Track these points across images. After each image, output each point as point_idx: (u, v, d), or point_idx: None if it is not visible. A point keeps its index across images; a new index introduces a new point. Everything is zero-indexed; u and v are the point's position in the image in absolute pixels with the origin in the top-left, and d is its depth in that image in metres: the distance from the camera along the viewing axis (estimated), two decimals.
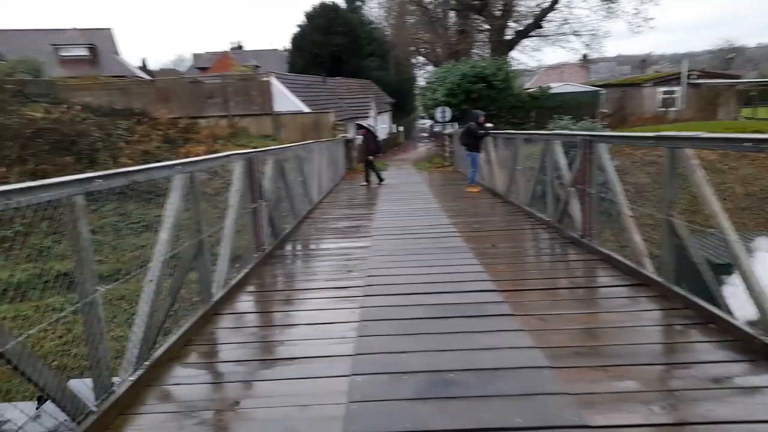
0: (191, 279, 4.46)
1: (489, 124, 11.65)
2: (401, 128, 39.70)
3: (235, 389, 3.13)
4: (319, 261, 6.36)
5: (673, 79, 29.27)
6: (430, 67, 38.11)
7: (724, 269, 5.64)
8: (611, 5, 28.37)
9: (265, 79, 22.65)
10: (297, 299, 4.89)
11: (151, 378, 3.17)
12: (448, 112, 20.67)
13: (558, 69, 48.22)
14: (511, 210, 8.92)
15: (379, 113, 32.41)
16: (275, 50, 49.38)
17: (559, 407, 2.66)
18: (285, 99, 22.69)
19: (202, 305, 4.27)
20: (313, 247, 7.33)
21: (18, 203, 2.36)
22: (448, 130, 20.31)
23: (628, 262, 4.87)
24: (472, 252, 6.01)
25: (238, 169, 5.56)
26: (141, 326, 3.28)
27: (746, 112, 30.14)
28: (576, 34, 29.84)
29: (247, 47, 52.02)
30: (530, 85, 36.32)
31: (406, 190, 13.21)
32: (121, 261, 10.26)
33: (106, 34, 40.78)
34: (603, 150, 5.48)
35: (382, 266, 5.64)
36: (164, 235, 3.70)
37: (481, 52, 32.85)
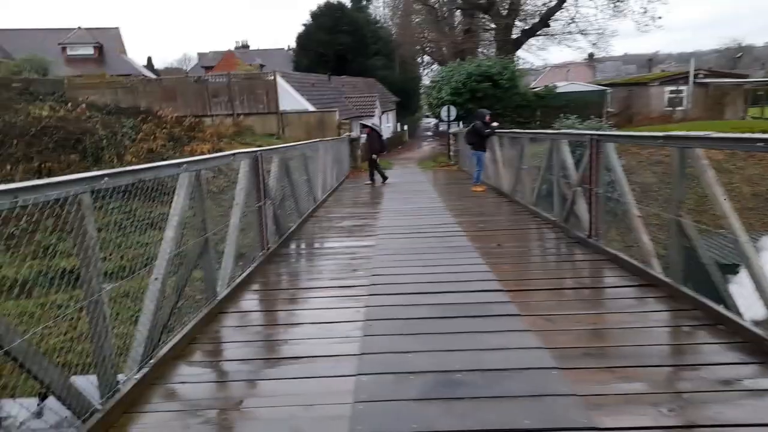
0: (194, 277, 4.46)
1: (495, 123, 11.61)
2: (406, 127, 39.65)
3: (240, 388, 3.12)
4: (323, 260, 6.34)
5: (680, 78, 29.09)
6: (435, 66, 38.11)
7: (729, 269, 5.60)
8: (618, 4, 28.27)
9: (270, 77, 22.64)
10: (301, 298, 4.88)
11: (156, 376, 3.16)
12: (453, 111, 20.62)
13: (564, 68, 48.09)
14: (516, 209, 8.89)
15: (383, 112, 32.38)
16: (280, 49, 49.45)
17: (566, 409, 2.63)
18: (290, 98, 22.69)
19: (206, 304, 4.27)
20: (317, 245, 7.32)
21: (25, 201, 2.36)
22: (453, 129, 20.27)
23: (635, 263, 4.83)
24: (477, 251, 5.98)
25: (243, 168, 5.55)
26: (146, 324, 3.27)
27: (753, 111, 29.94)
28: (583, 33, 29.75)
29: (252, 46, 52.11)
30: (535, 84, 36.24)
31: (411, 189, 13.18)
32: (125, 258, 10.29)
33: (112, 33, 40.89)
34: (611, 149, 5.43)
35: (387, 265, 5.62)
36: (170, 233, 3.69)
37: (486, 51, 32.82)
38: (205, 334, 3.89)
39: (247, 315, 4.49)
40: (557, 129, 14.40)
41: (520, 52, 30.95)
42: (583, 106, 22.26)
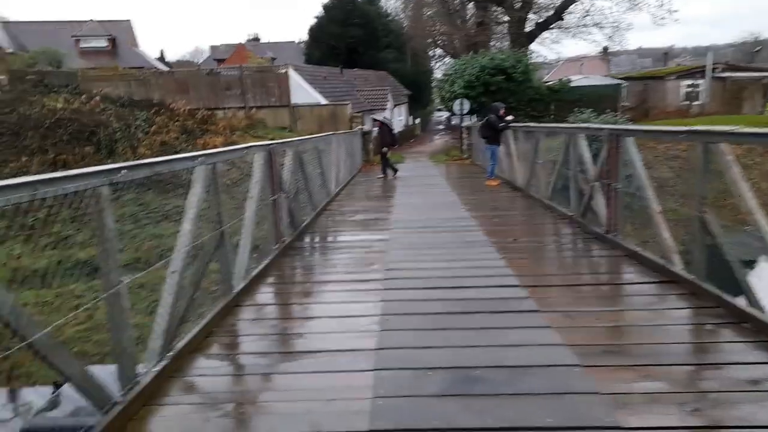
0: (210, 269, 4.45)
1: (509, 117, 11.50)
2: (418, 120, 39.49)
3: (258, 382, 3.11)
4: (338, 253, 6.33)
5: (696, 72, 28.65)
6: (447, 59, 37.86)
7: (746, 265, 5.50)
8: None
9: (282, 70, 22.64)
10: (317, 291, 4.87)
11: (175, 369, 3.16)
12: (467, 105, 20.48)
13: (578, 62, 47.58)
14: (531, 204, 8.80)
15: (395, 105, 32.27)
16: (291, 42, 49.37)
17: (590, 407, 2.58)
18: (302, 91, 22.67)
19: (223, 297, 4.26)
20: (331, 239, 7.30)
21: (45, 194, 2.35)
22: (466, 122, 20.13)
23: (655, 259, 4.75)
24: (493, 246, 5.92)
25: (258, 161, 5.53)
26: (164, 317, 3.27)
27: None
28: (598, 26, 29.36)
29: (263, 39, 52.10)
30: (549, 77, 35.91)
31: (424, 183, 13.13)
32: (140, 250, 10.36)
33: (125, 25, 41.09)
34: (630, 144, 5.34)
35: (402, 259, 5.58)
36: (187, 226, 3.68)
37: (500, 44, 32.52)
38: (221, 328, 3.88)
39: (263, 308, 4.49)
40: (572, 123, 14.24)
41: (533, 46, 30.71)
42: (597, 100, 22.02)
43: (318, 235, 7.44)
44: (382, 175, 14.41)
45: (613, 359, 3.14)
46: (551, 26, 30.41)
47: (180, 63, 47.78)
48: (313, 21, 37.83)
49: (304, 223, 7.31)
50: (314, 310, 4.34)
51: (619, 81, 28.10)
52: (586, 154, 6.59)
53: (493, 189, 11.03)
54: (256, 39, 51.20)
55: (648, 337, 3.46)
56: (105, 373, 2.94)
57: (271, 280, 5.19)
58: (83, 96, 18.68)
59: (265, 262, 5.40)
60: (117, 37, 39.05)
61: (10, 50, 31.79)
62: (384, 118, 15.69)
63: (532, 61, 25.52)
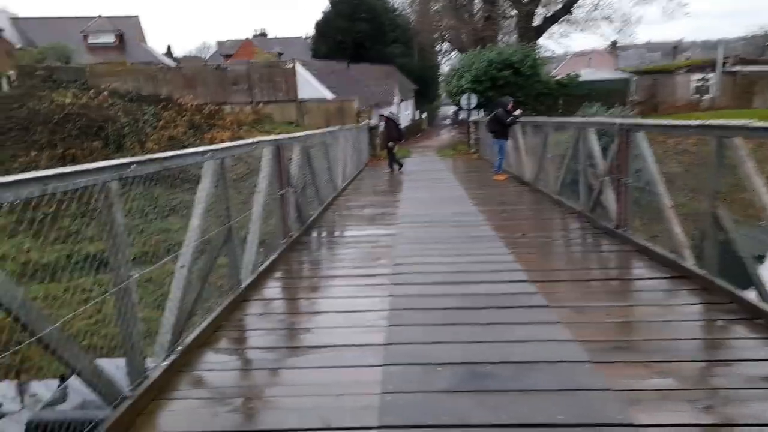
0: (217, 263, 4.45)
1: (518, 112, 11.41)
2: (425, 115, 39.35)
3: (267, 377, 3.11)
4: (345, 248, 6.31)
5: (707, 66, 28.33)
6: (454, 54, 37.69)
7: (759, 261, 5.44)
8: None
9: (289, 65, 22.62)
10: (325, 286, 4.86)
11: (183, 363, 3.16)
12: (474, 99, 20.37)
13: (586, 56, 47.17)
14: (539, 198, 8.75)
15: (402, 100, 32.17)
16: (298, 37, 49.27)
17: (601, 404, 2.56)
18: (309, 86, 22.65)
19: (231, 291, 4.26)
20: (338, 234, 7.29)
21: (55, 189, 2.35)
22: (474, 117, 20.03)
23: (666, 254, 4.70)
24: (501, 241, 5.89)
25: (266, 155, 5.52)
26: (173, 311, 3.27)
27: None
28: (607, 19, 29.09)
29: (270, 34, 52.03)
30: (556, 72, 35.60)
31: (431, 177, 13.09)
32: (148, 244, 10.40)
33: (133, 21, 41.15)
34: (641, 139, 5.28)
35: (410, 254, 5.56)
36: (196, 220, 3.68)
37: (507, 38, 32.28)
38: (230, 322, 3.89)
39: (270, 303, 4.48)
40: (581, 118, 14.12)
41: (541, 40, 30.43)
42: (606, 94, 21.83)
43: (325, 229, 7.43)
44: (388, 170, 14.39)
45: (624, 355, 3.11)
46: (560, 20, 30.16)
47: (187, 58, 47.76)
48: (319, 16, 37.78)
49: (312, 218, 7.31)
50: (322, 304, 4.33)
51: (628, 75, 27.86)
52: (596, 149, 6.53)
53: (501, 184, 10.97)
54: (263, 34, 51.13)
55: (659, 333, 3.42)
56: (114, 367, 2.94)
57: (278, 274, 5.19)
58: (91, 91, 18.76)
59: (273, 256, 5.40)
60: (125, 32, 39.13)
61: (19, 46, 31.95)
62: (390, 113, 15.66)
63: (541, 55, 25.24)
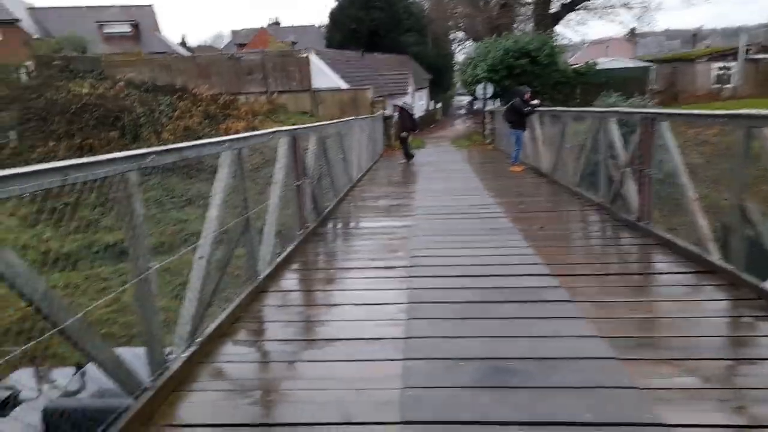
0: (235, 254, 4.44)
1: (535, 101, 11.24)
2: (439, 105, 39.03)
3: (285, 369, 3.09)
4: (361, 240, 6.27)
5: (728, 54, 27.68)
6: (469, 43, 37.25)
7: None
8: None
9: (303, 55, 22.53)
10: (342, 278, 4.83)
11: (203, 354, 3.16)
12: (490, 89, 20.14)
13: (603, 44, 46.41)
14: (557, 190, 8.62)
15: (417, 89, 31.93)
16: (312, 26, 49.08)
17: (629, 402, 2.50)
18: (323, 75, 22.55)
19: (249, 282, 4.25)
20: (355, 225, 7.26)
21: (75, 179, 2.33)
22: (489, 106, 19.81)
23: (691, 247, 4.59)
24: (520, 233, 5.81)
25: (282, 146, 5.48)
26: (192, 302, 3.26)
27: None
28: (626, 6, 28.51)
29: (284, 23, 51.88)
30: (573, 60, 35.07)
31: (447, 168, 12.98)
32: (165, 234, 10.49)
33: (147, 11, 41.26)
34: (665, 129, 5.15)
35: (428, 246, 5.51)
36: (214, 211, 3.66)
37: (523, 26, 31.81)
38: (248, 313, 3.88)
39: (288, 294, 4.47)
40: (598, 107, 13.89)
41: (557, 28, 29.91)
42: (624, 83, 21.42)
43: (341, 221, 7.40)
44: (403, 161, 14.32)
45: (650, 352, 3.04)
46: (577, 7, 29.62)
47: (201, 48, 47.87)
48: (334, 4, 37.50)
49: (328, 209, 7.28)
50: (339, 297, 4.30)
51: (647, 63, 27.33)
52: (617, 139, 6.39)
53: (518, 175, 10.84)
54: (277, 23, 51.01)
55: (684, 329, 3.34)
56: (133, 356, 2.95)
57: (295, 266, 5.17)
58: (108, 81, 18.87)
59: (290, 248, 5.38)
60: (140, 22, 39.27)
61: (36, 36, 32.24)
62: (404, 103, 15.56)
63: (558, 43, 24.81)
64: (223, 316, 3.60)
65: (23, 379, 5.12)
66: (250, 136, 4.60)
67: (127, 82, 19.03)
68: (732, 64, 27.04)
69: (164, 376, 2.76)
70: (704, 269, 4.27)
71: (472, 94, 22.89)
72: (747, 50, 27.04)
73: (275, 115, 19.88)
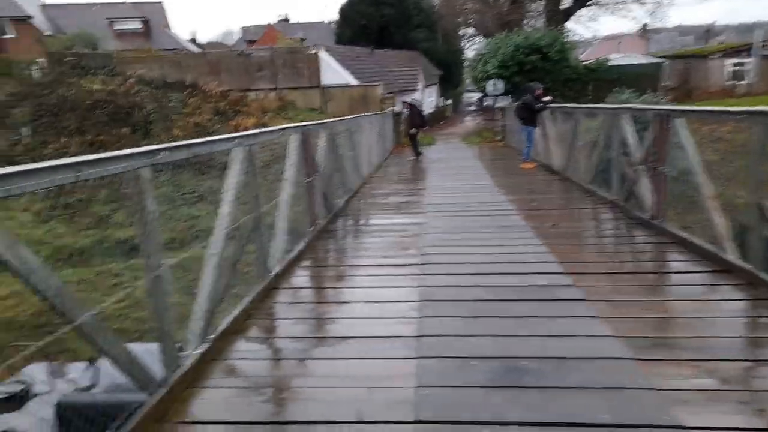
0: (246, 250, 4.43)
1: (547, 98, 11.14)
2: (449, 101, 38.86)
3: (299, 367, 3.08)
4: (372, 237, 6.25)
5: (742, 50, 27.31)
6: (479, 39, 37.03)
7: None
8: None
9: (313, 51, 22.51)
10: (354, 275, 4.81)
11: (216, 351, 3.16)
12: (500, 85, 20.01)
13: (614, 40, 46.01)
14: (569, 187, 8.55)
15: (426, 86, 31.82)
16: (321, 22, 49.04)
17: (646, 404, 2.46)
18: (333, 71, 22.52)
19: (260, 279, 4.24)
20: (365, 222, 7.23)
21: (87, 175, 2.33)
22: (500, 103, 19.68)
23: (707, 246, 4.52)
24: (532, 231, 5.76)
25: (293, 142, 5.47)
26: (204, 299, 3.25)
27: None
28: (638, 1, 28.20)
29: (293, 20, 51.90)
30: (584, 56, 34.81)
31: (458, 165, 12.92)
32: (175, 230, 10.53)
33: (157, 7, 41.46)
34: (681, 125, 5.07)
35: (439, 244, 5.48)
36: (226, 208, 3.65)
37: (534, 22, 31.56)
38: (260, 310, 3.87)
39: (300, 291, 4.46)
40: (610, 104, 13.75)
41: (568, 24, 29.63)
42: (636, 79, 21.21)
43: (351, 218, 7.38)
44: (413, 157, 14.27)
45: (666, 353, 2.99)
46: (589, 3, 29.34)
47: (211, 45, 48.02)
48: (343, 1, 37.42)
49: (338, 206, 7.26)
50: (351, 294, 4.29)
51: (660, 60, 27.03)
52: (631, 136, 6.31)
53: (529, 172, 10.76)
54: (286, 20, 51.04)
55: (702, 329, 3.29)
56: (146, 352, 2.94)
57: (306, 263, 5.16)
58: (119, 78, 18.97)
59: (301, 245, 5.37)
60: (150, 19, 39.47)
61: (48, 33, 32.48)
62: (413, 99, 15.52)
63: (569, 39, 24.58)
64: (235, 312, 3.59)
65: (35, 373, 5.15)
66: (261, 133, 4.59)
67: (138, 78, 19.13)
68: (746, 60, 26.68)
69: (177, 373, 2.76)
70: (721, 268, 4.20)
71: (483, 90, 22.77)
72: (762, 46, 26.66)
73: (285, 112, 19.90)
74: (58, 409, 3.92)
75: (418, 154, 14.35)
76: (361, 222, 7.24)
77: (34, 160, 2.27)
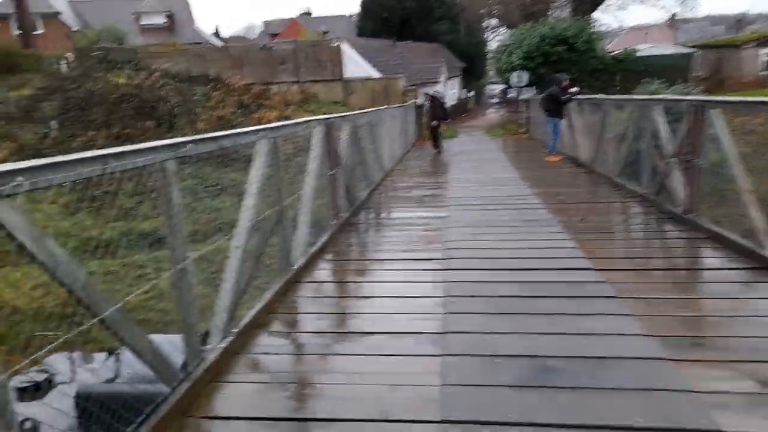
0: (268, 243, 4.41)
1: (574, 89, 10.89)
2: (472, 93, 38.46)
3: (321, 363, 3.04)
4: (395, 230, 6.19)
5: None
6: (502, 30, 36.54)
7: None
8: None
9: (335, 44, 22.45)
10: (376, 270, 4.76)
11: (239, 345, 3.14)
12: (525, 76, 19.68)
13: (642, 30, 44.95)
14: (597, 181, 8.35)
15: (449, 78, 31.54)
16: (343, 16, 48.94)
17: (683, 406, 2.36)
18: (355, 64, 22.46)
19: (283, 273, 4.22)
20: (388, 215, 7.17)
21: (114, 168, 2.32)
22: (525, 95, 19.37)
23: (744, 242, 4.35)
24: (559, 225, 5.62)
25: (317, 135, 5.42)
26: (228, 292, 3.23)
27: None
28: None
29: (315, 13, 51.90)
30: (610, 47, 34.04)
31: (481, 158, 12.76)
32: (198, 223, 10.62)
33: (182, 2, 41.80)
34: (717, 117, 4.88)
35: (463, 238, 5.39)
36: (250, 200, 3.62)
37: (559, 13, 30.98)
38: (283, 304, 3.85)
39: (322, 285, 4.43)
40: (639, 95, 13.40)
41: (595, 13, 29.01)
42: (665, 70, 20.63)
43: (374, 211, 7.33)
44: (436, 150, 14.14)
45: (703, 353, 2.88)
46: None
47: (234, 39, 48.29)
48: None
49: (360, 199, 7.21)
50: (374, 289, 4.24)
51: (690, 50, 26.28)
52: (663, 128, 6.11)
53: (555, 165, 10.56)
54: (308, 13, 51.07)
55: (739, 329, 3.15)
56: (168, 344, 2.94)
57: (329, 256, 5.13)
58: (144, 72, 19.19)
59: (324, 238, 5.34)
60: (175, 14, 39.85)
61: (76, 28, 33.06)
62: (435, 91, 15.36)
63: (596, 29, 24.01)
64: (258, 306, 3.58)
65: (57, 363, 5.21)
66: (285, 125, 4.56)
67: (163, 72, 19.32)
68: None
69: (201, 367, 2.75)
70: (759, 265, 4.03)
71: (507, 82, 22.45)
72: None
73: (307, 105, 19.91)
74: (77, 399, 3.95)
75: (440, 147, 14.20)
76: (384, 215, 7.18)
77: (62, 153, 2.26)
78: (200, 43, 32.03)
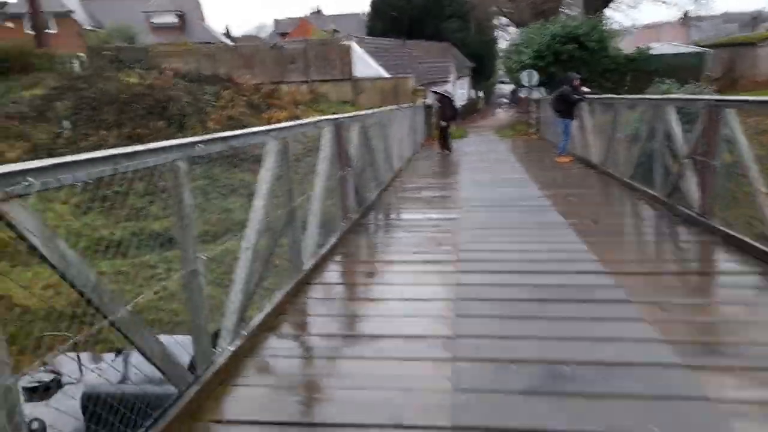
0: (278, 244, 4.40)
1: (585, 89, 10.79)
2: (481, 93, 38.29)
3: (332, 366, 3.02)
4: (405, 232, 6.16)
5: None
6: (512, 29, 36.35)
7: None
8: None
9: (345, 43, 22.43)
10: (387, 272, 4.73)
11: (249, 348, 3.12)
12: (535, 76, 19.52)
13: (654, 28, 44.51)
14: (609, 182, 8.26)
15: (458, 77, 31.43)
16: (353, 14, 48.94)
17: (700, 415, 2.31)
18: (364, 63, 22.41)
19: (293, 274, 4.21)
20: (398, 217, 7.15)
21: (125, 168, 2.31)
22: (535, 95, 19.23)
23: (761, 245, 4.27)
24: (570, 228, 5.56)
25: (326, 135, 5.41)
26: (238, 294, 3.22)
27: None
28: None
29: (325, 12, 51.98)
30: (622, 46, 33.74)
31: (491, 159, 12.70)
32: (209, 223, 10.65)
33: (193, 2, 41.99)
34: (732, 117, 4.81)
35: (474, 240, 5.35)
36: (260, 201, 3.61)
37: (570, 11, 30.74)
38: (293, 306, 3.84)
39: (332, 287, 4.42)
40: (650, 95, 13.25)
41: (607, 11, 28.71)
42: (676, 69, 20.38)
43: (383, 212, 7.30)
44: (446, 151, 14.07)
45: (720, 360, 2.82)
46: None
47: (245, 38, 48.47)
48: None
49: (370, 200, 7.19)
50: (385, 291, 4.21)
51: (704, 49, 25.96)
52: (676, 129, 6.03)
53: (566, 166, 10.47)
54: (319, 12, 51.16)
55: (756, 335, 3.08)
56: (177, 345, 2.92)
57: (339, 258, 5.11)
58: (154, 71, 19.28)
59: (333, 239, 5.32)
60: (186, 13, 40.04)
61: (87, 27, 33.33)
62: (445, 91, 15.30)
63: (609, 27, 23.71)
64: (268, 308, 3.56)
65: (65, 363, 5.21)
66: (295, 125, 4.55)
67: (174, 71, 19.39)
68: None
69: (210, 370, 2.73)
70: None
71: (517, 81, 22.29)
72: None
73: (316, 104, 19.91)
74: (84, 400, 3.95)
75: (449, 147, 14.11)
76: (393, 216, 7.15)
77: (74, 153, 2.26)
78: (211, 43, 32.15)
